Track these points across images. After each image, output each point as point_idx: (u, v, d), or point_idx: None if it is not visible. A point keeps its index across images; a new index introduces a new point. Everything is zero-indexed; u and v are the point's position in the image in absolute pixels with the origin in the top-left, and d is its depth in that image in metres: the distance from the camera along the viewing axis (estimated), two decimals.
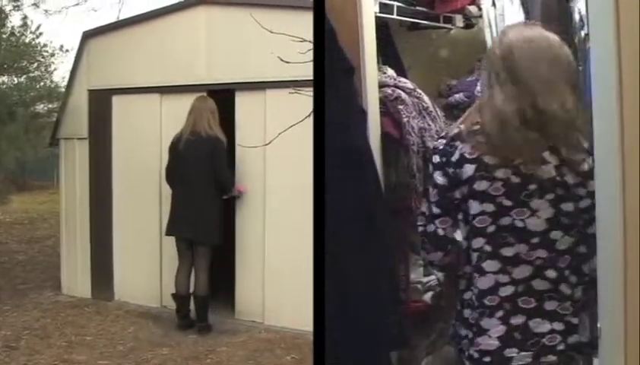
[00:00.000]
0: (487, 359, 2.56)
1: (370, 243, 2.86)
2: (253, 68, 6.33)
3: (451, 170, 2.60)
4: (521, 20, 3.57)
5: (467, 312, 2.67)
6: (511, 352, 2.53)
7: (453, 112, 3.76)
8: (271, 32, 3.99)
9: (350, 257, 2.78)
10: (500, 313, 2.56)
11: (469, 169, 2.56)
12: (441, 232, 2.66)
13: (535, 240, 2.53)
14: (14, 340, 6.11)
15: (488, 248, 2.56)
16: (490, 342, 2.56)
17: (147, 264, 7.22)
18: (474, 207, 2.57)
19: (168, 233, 6.61)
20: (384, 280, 2.89)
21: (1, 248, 10.34)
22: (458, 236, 2.65)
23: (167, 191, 7.02)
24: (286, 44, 3.80)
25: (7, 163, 7.48)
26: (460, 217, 2.63)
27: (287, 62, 3.68)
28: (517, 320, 2.55)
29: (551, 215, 2.53)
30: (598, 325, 2.26)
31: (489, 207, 2.55)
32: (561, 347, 2.54)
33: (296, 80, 4.22)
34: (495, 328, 2.56)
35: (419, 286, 3.64)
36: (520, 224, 2.53)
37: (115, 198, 7.45)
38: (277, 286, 6.42)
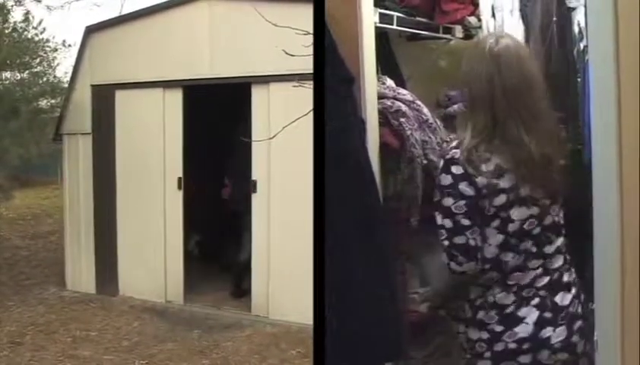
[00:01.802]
0: (526, 346, 2.65)
1: (367, 252, 2.86)
2: (256, 61, 6.32)
3: (481, 179, 2.61)
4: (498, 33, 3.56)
5: (480, 314, 2.73)
6: (547, 332, 2.65)
7: (452, 122, 3.75)
8: (275, 25, 3.97)
9: (347, 266, 2.79)
10: (536, 301, 2.68)
11: (510, 178, 2.60)
12: (472, 242, 2.67)
13: (564, 230, 2.77)
14: (19, 335, 6.12)
15: (534, 248, 2.68)
16: (527, 329, 2.65)
17: (151, 259, 7.23)
18: (520, 212, 2.63)
19: None
20: (380, 291, 2.89)
21: (4, 244, 10.34)
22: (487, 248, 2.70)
23: (171, 185, 7.03)
24: (289, 37, 3.78)
25: (11, 160, 7.46)
26: (495, 224, 2.65)
27: (292, 55, 3.66)
28: (545, 302, 2.67)
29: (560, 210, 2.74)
30: (595, 338, 2.29)
31: (535, 210, 2.64)
32: (581, 310, 2.73)
33: (300, 74, 4.19)
34: (532, 315, 2.66)
35: (415, 296, 3.64)
36: (557, 219, 2.72)
37: (119, 193, 7.45)
38: (281, 280, 6.41)
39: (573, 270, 2.77)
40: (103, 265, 7.57)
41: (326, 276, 2.73)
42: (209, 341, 6.02)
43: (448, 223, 2.67)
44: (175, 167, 7.11)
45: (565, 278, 2.72)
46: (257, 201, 6.62)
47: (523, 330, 2.65)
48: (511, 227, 2.64)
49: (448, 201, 2.66)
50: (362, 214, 2.88)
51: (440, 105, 3.97)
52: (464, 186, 2.63)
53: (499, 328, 2.68)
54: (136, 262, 7.36)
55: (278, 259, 6.46)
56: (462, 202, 2.63)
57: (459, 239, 2.67)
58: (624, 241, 2.12)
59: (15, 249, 10.05)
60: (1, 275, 8.44)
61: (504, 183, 2.60)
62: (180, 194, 7.13)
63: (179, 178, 7.11)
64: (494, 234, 2.66)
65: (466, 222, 2.65)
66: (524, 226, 2.64)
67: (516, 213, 2.63)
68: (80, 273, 7.74)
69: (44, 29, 8.97)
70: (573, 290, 2.72)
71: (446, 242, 2.70)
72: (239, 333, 6.21)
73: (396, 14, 3.56)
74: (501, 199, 2.61)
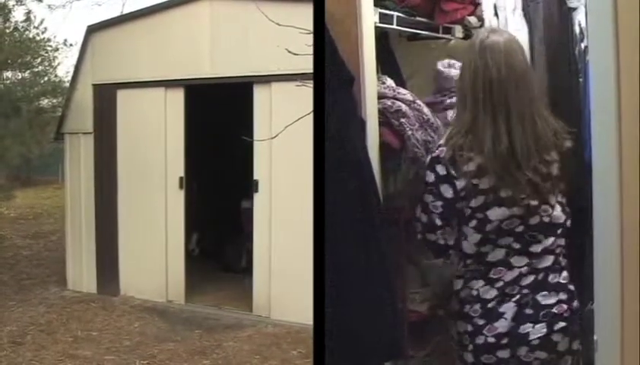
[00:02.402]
0: (504, 341, 2.65)
1: (368, 252, 2.86)
2: (258, 61, 6.31)
3: (462, 181, 2.63)
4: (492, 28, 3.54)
5: (466, 308, 2.74)
6: (526, 328, 2.64)
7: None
8: (278, 24, 3.96)
9: (347, 265, 2.79)
10: (516, 297, 2.67)
11: (490, 179, 2.60)
12: (442, 241, 2.76)
13: (560, 230, 2.71)
14: (20, 335, 6.10)
15: (516, 245, 2.67)
16: (505, 324, 2.66)
17: (152, 258, 7.22)
18: (498, 212, 2.63)
19: None
20: (380, 290, 2.89)
21: (6, 243, 10.34)
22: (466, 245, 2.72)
23: (173, 185, 7.02)
24: (292, 36, 3.77)
25: (12, 159, 7.46)
26: (472, 224, 2.67)
27: (295, 54, 3.65)
28: (526, 299, 2.66)
29: (560, 207, 2.71)
30: (595, 338, 2.28)
31: (517, 211, 2.63)
32: (567, 313, 2.69)
33: (302, 73, 4.18)
34: (510, 310, 2.66)
35: (416, 296, 3.64)
36: (546, 219, 2.67)
37: (121, 192, 7.44)
38: (283, 280, 6.40)
39: (566, 274, 2.72)
40: (104, 264, 7.56)
41: (326, 276, 2.73)
42: (210, 340, 6.01)
43: (423, 217, 2.76)
44: (177, 167, 7.10)
45: (552, 279, 2.70)
46: (258, 200, 6.61)
47: (501, 325, 2.67)
48: (489, 227, 2.65)
49: (428, 198, 2.73)
50: (363, 213, 2.87)
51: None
52: (444, 188, 2.68)
53: (480, 322, 2.70)
54: (137, 262, 7.35)
55: (279, 259, 6.44)
56: (439, 203, 2.70)
57: (430, 236, 2.77)
58: (624, 240, 2.11)
59: (16, 249, 10.05)
60: (3, 275, 8.43)
61: (483, 184, 2.61)
62: (182, 193, 7.12)
63: (181, 177, 7.11)
64: (471, 233, 2.69)
65: (438, 222, 2.73)
66: (503, 225, 2.65)
67: (494, 214, 2.63)
68: (82, 273, 7.73)
69: (45, 28, 8.97)
70: (561, 295, 2.69)
71: (419, 236, 2.81)
72: (240, 333, 6.20)
73: (396, 13, 3.55)
74: (478, 200, 2.64)
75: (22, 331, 6.20)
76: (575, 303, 2.72)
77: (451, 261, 2.75)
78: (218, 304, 7.03)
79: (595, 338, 2.31)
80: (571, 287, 2.72)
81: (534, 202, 2.63)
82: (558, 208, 2.69)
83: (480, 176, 2.61)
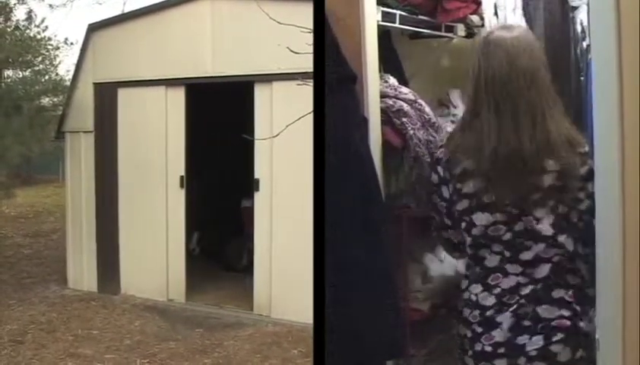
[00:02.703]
0: (502, 350, 2.59)
1: (369, 251, 2.86)
2: (259, 60, 6.30)
3: (453, 183, 2.63)
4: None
5: (466, 312, 2.71)
6: (522, 339, 2.57)
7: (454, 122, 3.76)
8: (280, 23, 3.95)
9: (347, 264, 2.78)
10: (514, 307, 2.60)
11: (474, 183, 2.57)
12: (454, 239, 2.77)
13: (550, 241, 2.56)
14: (20, 334, 6.10)
15: (507, 253, 2.59)
16: (502, 334, 2.59)
17: (153, 257, 7.22)
18: (483, 218, 2.57)
19: None
20: (381, 289, 2.89)
21: (6, 242, 10.34)
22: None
23: (173, 184, 7.02)
24: (293, 35, 3.76)
25: (12, 158, 7.47)
26: (462, 226, 2.65)
27: (296, 53, 3.65)
28: (526, 309, 2.58)
29: (553, 220, 2.54)
30: (597, 337, 2.26)
31: (500, 217, 2.55)
32: (568, 328, 2.58)
33: (304, 72, 4.18)
34: (507, 321, 2.59)
35: (418, 294, 3.64)
36: (530, 227, 2.55)
37: (121, 191, 7.44)
38: (283, 279, 6.40)
39: (571, 292, 2.58)
40: (105, 263, 7.56)
41: (327, 274, 2.72)
42: (211, 339, 6.01)
43: (436, 216, 2.79)
44: (178, 166, 7.10)
45: (555, 294, 2.58)
46: (259, 199, 6.61)
47: (498, 334, 2.61)
48: (475, 231, 2.61)
49: (436, 199, 2.75)
50: (364, 212, 2.87)
51: (442, 104, 3.97)
52: (444, 190, 2.69)
53: (479, 329, 2.65)
54: (138, 261, 7.35)
55: (280, 258, 6.44)
56: (444, 204, 2.71)
57: (445, 234, 2.81)
58: (626, 239, 2.10)
59: (17, 247, 10.05)
60: (3, 273, 8.43)
61: (467, 188, 2.58)
62: (182, 192, 7.12)
63: (181, 176, 7.11)
64: (465, 235, 2.66)
65: (448, 222, 2.74)
66: (489, 231, 2.58)
67: (478, 218, 2.59)
68: (82, 271, 7.73)
69: (46, 27, 9.01)
70: (564, 311, 2.57)
71: (435, 233, 2.85)
72: (241, 332, 6.19)
73: (398, 12, 3.56)
74: (463, 204, 2.61)
75: (22, 330, 6.20)
76: (582, 323, 2.58)
77: (461, 257, 2.78)
78: (219, 303, 7.03)
79: (597, 337, 2.31)
80: (577, 307, 2.59)
81: (515, 211, 2.54)
82: (546, 222, 2.54)
83: (464, 180, 2.58)
